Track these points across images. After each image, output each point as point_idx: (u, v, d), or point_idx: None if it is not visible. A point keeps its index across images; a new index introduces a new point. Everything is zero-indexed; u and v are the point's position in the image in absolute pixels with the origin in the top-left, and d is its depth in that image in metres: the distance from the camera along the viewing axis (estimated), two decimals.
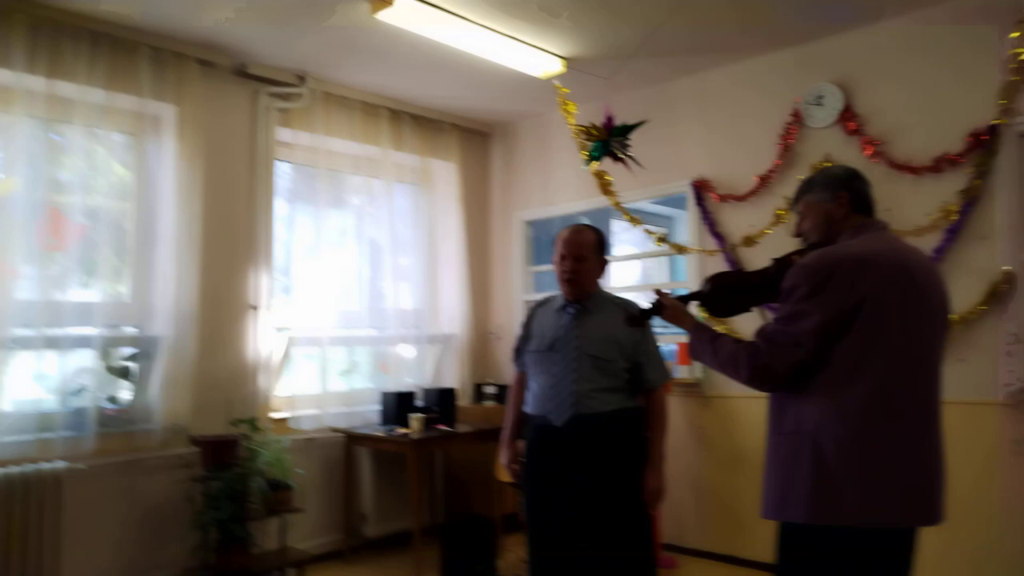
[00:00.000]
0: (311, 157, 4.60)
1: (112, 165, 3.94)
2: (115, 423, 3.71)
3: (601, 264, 2.70)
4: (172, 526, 3.78)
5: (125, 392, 3.84)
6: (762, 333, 1.90)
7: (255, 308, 4.27)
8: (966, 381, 3.53)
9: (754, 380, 1.90)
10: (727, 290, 2.09)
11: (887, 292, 1.80)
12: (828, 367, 1.79)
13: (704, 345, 2.03)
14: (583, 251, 2.65)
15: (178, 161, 3.96)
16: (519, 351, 2.83)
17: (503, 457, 2.84)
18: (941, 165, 3.61)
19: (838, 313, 1.78)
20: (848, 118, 3.90)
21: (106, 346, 3.72)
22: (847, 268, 1.81)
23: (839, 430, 1.77)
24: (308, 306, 4.55)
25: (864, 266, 1.81)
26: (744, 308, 2.14)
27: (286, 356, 4.46)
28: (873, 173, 3.75)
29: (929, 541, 3.59)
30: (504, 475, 2.90)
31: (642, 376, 2.60)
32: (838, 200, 1.97)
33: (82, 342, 3.63)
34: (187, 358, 3.87)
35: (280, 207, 4.53)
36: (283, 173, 4.62)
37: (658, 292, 2.22)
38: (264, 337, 4.28)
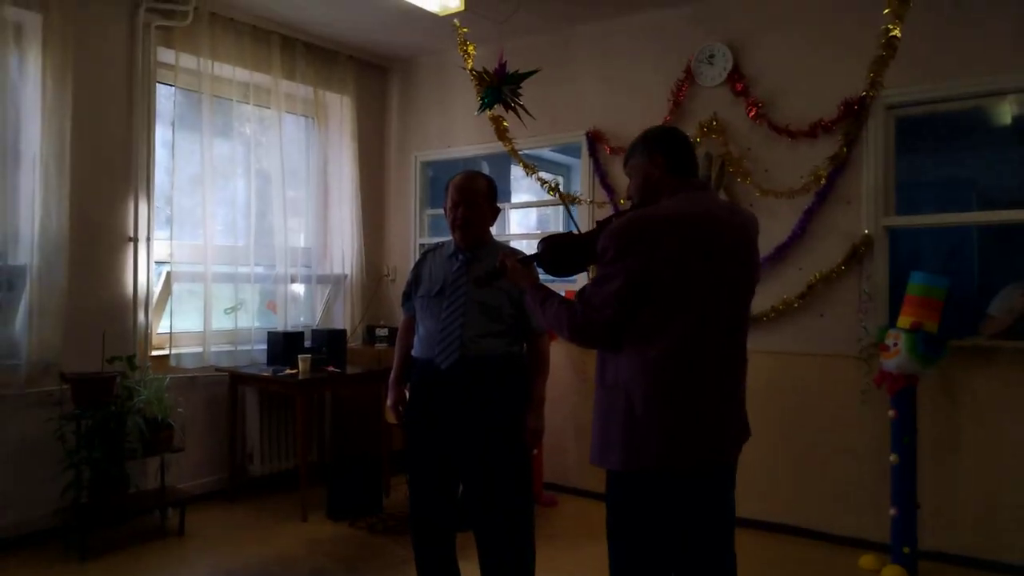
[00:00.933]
0: (196, 82, 4.35)
1: None
2: None
3: (493, 212, 2.73)
4: (42, 466, 3.61)
5: None
6: (580, 294, 2.00)
7: (133, 239, 4.06)
8: (824, 335, 3.84)
9: (574, 338, 2.01)
10: (559, 251, 2.18)
11: (688, 253, 1.90)
12: (636, 325, 1.90)
13: (536, 305, 2.14)
14: (475, 198, 2.67)
15: (44, 75, 3.65)
16: (408, 295, 2.85)
17: (389, 399, 2.87)
18: (816, 131, 3.82)
19: (641, 275, 1.87)
20: (736, 79, 4.06)
21: None
22: (650, 231, 1.89)
23: (644, 384, 1.89)
24: (192, 239, 4.36)
25: (666, 228, 1.90)
26: (579, 268, 2.23)
27: (167, 291, 4.28)
28: (756, 134, 4.00)
29: (790, 478, 3.94)
30: (390, 417, 2.94)
31: (527, 323, 2.67)
32: (654, 162, 2.04)
33: None
34: (57, 290, 3.66)
35: (163, 133, 4.28)
36: (166, 97, 4.36)
37: (502, 255, 2.33)
38: (143, 271, 4.09)
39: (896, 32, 3.37)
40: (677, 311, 1.89)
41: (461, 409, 2.59)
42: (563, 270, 2.22)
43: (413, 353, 2.77)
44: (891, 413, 3.40)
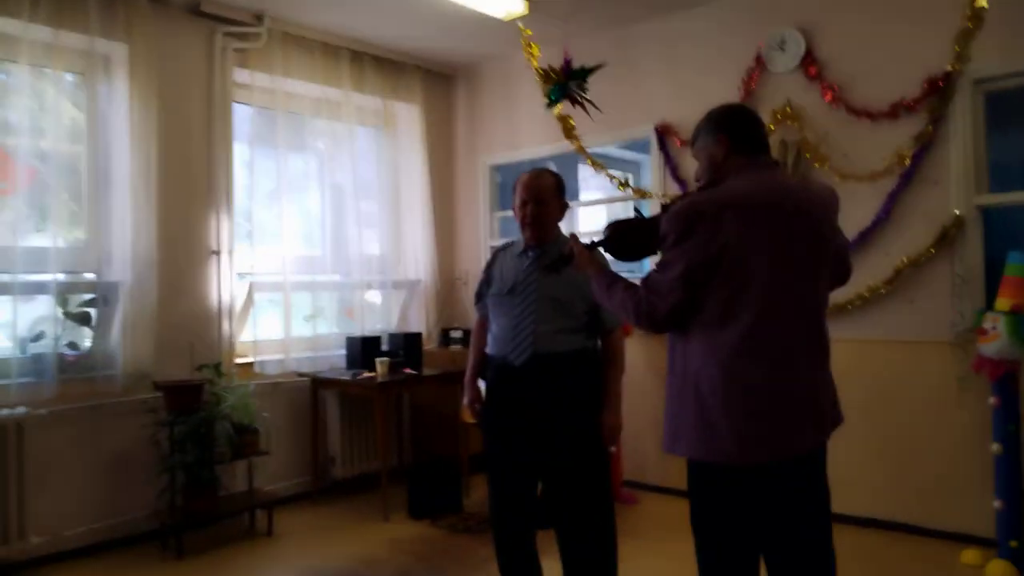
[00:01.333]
0: (270, 99, 4.51)
1: (63, 106, 3.83)
2: (76, 369, 3.69)
3: (561, 208, 2.72)
4: (138, 470, 3.80)
5: (85, 338, 3.80)
6: (645, 279, 1.95)
7: (216, 253, 4.23)
8: (914, 321, 3.66)
9: (640, 323, 1.96)
10: (625, 235, 2.12)
11: (752, 235, 1.82)
12: (702, 311, 1.85)
13: (602, 291, 2.09)
14: (543, 195, 2.66)
15: (131, 102, 3.85)
16: (480, 295, 2.86)
17: (465, 398, 2.89)
18: (897, 111, 3.66)
19: (702, 260, 1.81)
20: (809, 63, 3.93)
21: (64, 292, 3.67)
22: (710, 214, 1.82)
23: (713, 372, 1.83)
24: (271, 251, 4.51)
25: (727, 210, 1.82)
26: (646, 253, 2.17)
27: (249, 301, 4.44)
28: (833, 118, 3.86)
29: (885, 470, 3.76)
30: (467, 416, 2.96)
31: (600, 318, 2.64)
32: (718, 141, 1.98)
33: (39, 288, 3.58)
34: (148, 304, 3.84)
35: (240, 150, 4.45)
36: (242, 116, 4.52)
37: (572, 237, 2.25)
38: (226, 282, 4.25)
39: (983, 2, 3.19)
40: (744, 295, 1.82)
41: (536, 406, 2.58)
42: (629, 255, 2.17)
43: (487, 351, 2.78)
44: (992, 400, 3.21)
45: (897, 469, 3.71)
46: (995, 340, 3.12)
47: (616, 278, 2.08)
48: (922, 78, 3.58)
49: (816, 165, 3.88)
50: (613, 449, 4.31)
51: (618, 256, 2.18)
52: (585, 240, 2.22)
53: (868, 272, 3.73)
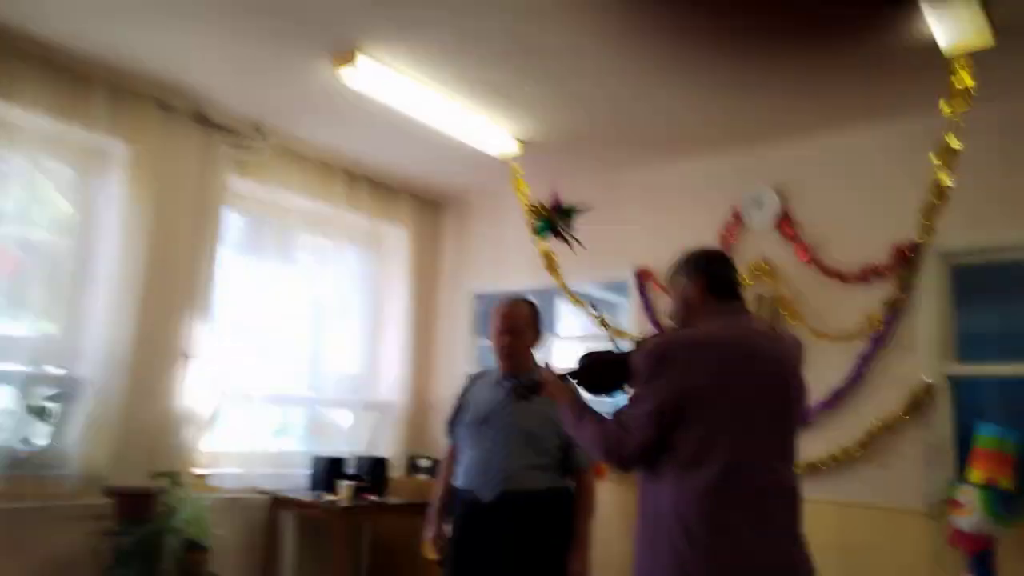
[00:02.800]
0: (262, 209, 4.59)
1: (54, 198, 3.86)
2: (27, 466, 3.51)
3: (536, 337, 2.74)
4: None
5: (41, 435, 3.66)
6: (617, 414, 1.94)
7: (187, 356, 4.16)
8: (888, 487, 3.65)
9: (608, 458, 1.94)
10: (597, 368, 2.14)
11: (722, 378, 1.85)
12: (673, 451, 1.84)
13: (570, 421, 2.07)
14: (518, 325, 2.69)
15: (125, 200, 3.89)
16: (452, 423, 2.82)
17: (428, 532, 2.79)
18: (868, 275, 3.81)
19: (671, 399, 1.82)
20: (785, 223, 4.12)
21: (28, 384, 3.56)
22: (681, 353, 1.86)
23: (688, 517, 1.79)
24: (244, 361, 4.45)
25: (697, 352, 1.86)
26: (618, 386, 2.18)
27: (216, 410, 4.33)
28: (808, 277, 4.00)
29: None
30: (429, 551, 2.84)
31: (573, 457, 2.61)
32: (694, 283, 2.02)
33: (2, 378, 3.48)
34: (112, 404, 3.72)
35: (226, 257, 4.47)
36: (232, 223, 4.58)
37: (545, 365, 2.27)
38: (195, 388, 4.16)
39: (947, 181, 3.41)
40: (717, 438, 1.82)
41: (502, 547, 2.50)
42: (601, 387, 2.18)
43: (456, 483, 2.71)
44: None
45: None
46: (969, 514, 3.10)
47: (586, 409, 2.07)
48: (891, 245, 3.75)
49: (792, 322, 3.98)
50: None
51: (589, 388, 2.19)
52: (560, 370, 2.23)
53: (841, 432, 3.75)
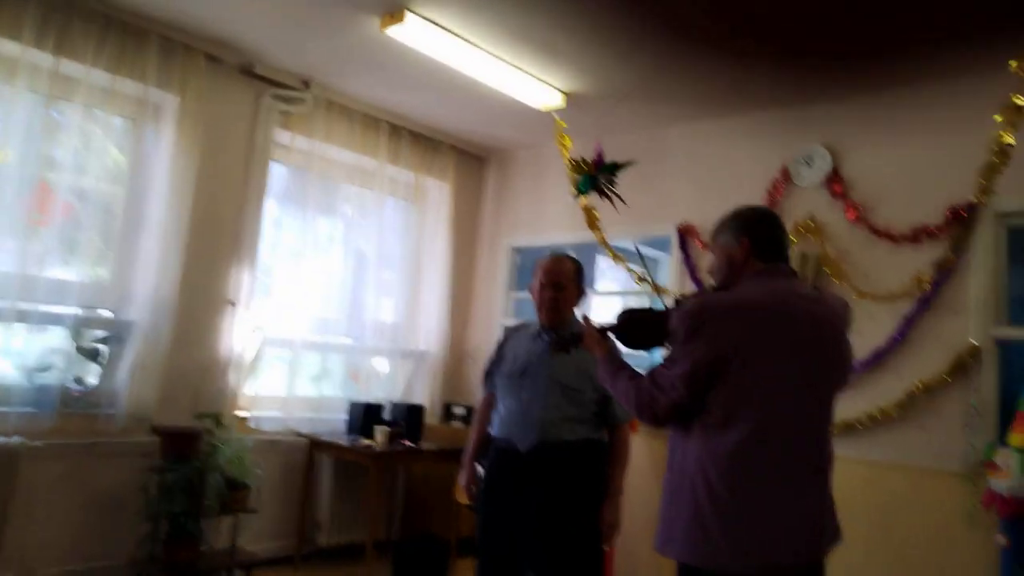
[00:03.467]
0: (306, 161, 4.63)
1: (107, 148, 3.96)
2: (78, 404, 3.68)
3: (579, 293, 2.74)
4: (123, 514, 3.73)
5: (92, 375, 3.81)
6: (651, 372, 1.94)
7: (233, 304, 4.27)
8: (924, 448, 3.59)
9: (640, 415, 1.96)
10: (635, 326, 2.13)
11: (760, 342, 1.81)
12: (705, 412, 1.83)
13: (606, 375, 2.08)
14: (563, 279, 2.69)
15: (174, 151, 3.98)
16: (489, 373, 2.85)
17: (462, 478, 2.84)
18: (919, 236, 3.69)
19: (708, 360, 1.81)
20: (835, 181, 4.00)
21: (79, 326, 3.71)
22: (719, 316, 1.84)
23: (711, 475, 1.79)
24: (286, 308, 4.55)
25: (737, 314, 1.84)
26: (654, 344, 2.17)
27: (258, 355, 4.45)
28: (855, 236, 3.90)
29: None
30: (462, 496, 2.90)
31: (609, 410, 2.62)
32: (740, 243, 1.98)
33: (55, 320, 3.61)
34: (159, 347, 3.86)
35: (270, 208, 4.55)
36: (277, 174, 4.65)
37: (584, 319, 2.25)
38: (239, 334, 4.28)
39: (1010, 140, 3.27)
40: (748, 401, 1.80)
41: (535, 495, 2.53)
42: (638, 344, 2.17)
43: (492, 432, 2.75)
44: (1001, 540, 3.09)
45: None
46: (1007, 477, 3.04)
47: (623, 365, 2.08)
48: (945, 206, 3.62)
49: (836, 281, 3.89)
50: (607, 547, 4.20)
51: (627, 343, 2.18)
52: (599, 325, 2.22)
53: (879, 393, 3.69)
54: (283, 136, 4.55)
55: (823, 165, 4.05)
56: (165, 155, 3.99)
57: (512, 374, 2.69)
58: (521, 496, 2.57)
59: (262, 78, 4.37)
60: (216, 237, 4.23)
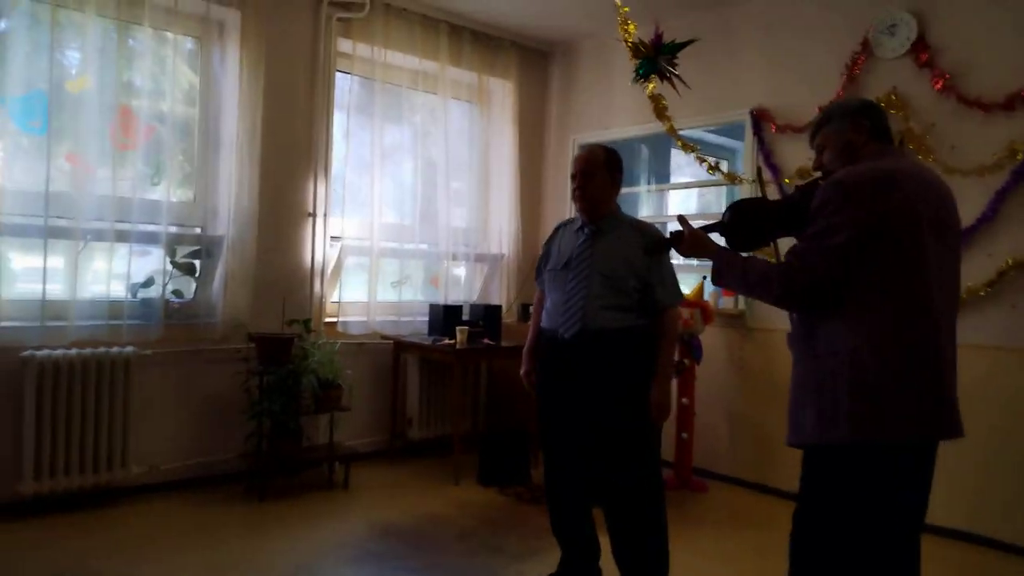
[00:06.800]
0: (370, 70, 4.65)
1: (181, 70, 4.08)
2: (179, 316, 3.97)
3: (613, 182, 2.69)
4: (229, 414, 4.06)
5: (190, 287, 4.07)
6: (793, 251, 1.86)
7: (312, 215, 4.43)
8: (1016, 327, 3.46)
9: (785, 298, 1.87)
10: (749, 219, 2.01)
11: (915, 208, 1.79)
12: (860, 284, 1.77)
13: (734, 268, 1.97)
14: (590, 167, 2.66)
15: (241, 67, 4.06)
16: (540, 270, 2.89)
17: (523, 367, 2.94)
18: (1013, 103, 3.45)
19: (868, 227, 1.76)
20: (920, 49, 3.74)
21: (172, 243, 3.94)
22: (877, 182, 1.79)
23: (876, 349, 1.76)
24: (362, 218, 4.68)
25: (893, 181, 1.80)
26: (766, 240, 2.07)
27: (339, 264, 4.63)
28: (942, 108, 3.69)
29: (970, 483, 3.56)
30: (525, 385, 3.01)
31: (652, 297, 2.61)
32: (858, 127, 1.96)
33: (151, 239, 3.85)
34: (247, 258, 4.07)
35: (339, 119, 4.62)
36: (343, 86, 4.68)
37: (681, 219, 2.13)
38: (319, 244, 4.45)
39: None
40: (906, 271, 1.78)
41: (583, 380, 2.60)
42: (748, 241, 2.06)
43: (541, 324, 2.81)
44: None
45: (986, 482, 3.53)
46: None
47: (743, 259, 1.98)
48: None
49: (920, 157, 3.70)
50: (684, 435, 4.30)
51: (735, 242, 2.07)
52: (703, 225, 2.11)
53: (967, 273, 3.46)
54: (345, 45, 4.56)
55: (907, 33, 3.79)
56: (232, 73, 4.08)
57: (557, 268, 2.72)
58: (569, 383, 2.64)
59: None
60: (289, 151, 4.35)
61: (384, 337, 4.71)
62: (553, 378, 2.73)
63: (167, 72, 3.95)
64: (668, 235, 2.12)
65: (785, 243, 2.03)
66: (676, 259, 2.85)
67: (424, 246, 4.94)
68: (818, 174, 2.07)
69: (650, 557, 2.61)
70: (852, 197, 1.77)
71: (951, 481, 3.57)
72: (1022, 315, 3.44)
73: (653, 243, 2.23)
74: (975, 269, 3.53)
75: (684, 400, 4.31)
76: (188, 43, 4.09)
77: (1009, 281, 3.47)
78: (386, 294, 4.81)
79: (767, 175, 4.27)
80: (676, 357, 4.19)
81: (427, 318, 4.82)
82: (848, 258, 1.76)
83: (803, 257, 1.82)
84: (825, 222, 1.80)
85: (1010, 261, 3.44)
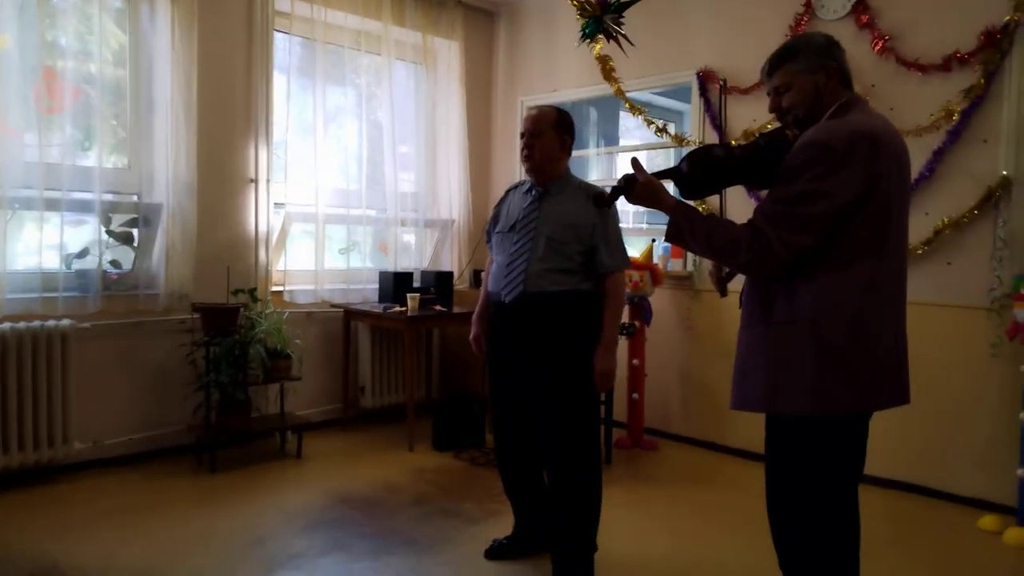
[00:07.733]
0: (310, 29, 4.50)
1: (108, 28, 3.87)
2: (118, 286, 3.83)
3: (561, 142, 2.65)
4: (176, 387, 3.96)
5: (128, 258, 3.92)
6: (765, 215, 1.74)
7: (254, 181, 4.30)
8: (951, 284, 3.59)
9: (753, 265, 1.75)
10: (708, 168, 1.86)
11: (893, 172, 1.72)
12: (832, 251, 1.69)
13: (696, 228, 1.81)
14: (540, 126, 2.61)
15: (172, 26, 3.88)
16: (489, 233, 2.87)
17: (472, 332, 2.93)
18: (950, 64, 3.53)
19: (855, 194, 1.67)
20: (861, 10, 3.79)
21: (107, 211, 3.78)
22: (865, 145, 1.67)
23: (841, 317, 1.70)
24: (306, 183, 4.57)
25: (877, 144, 1.69)
26: (720, 188, 1.98)
27: (284, 231, 4.52)
28: (881, 69, 3.75)
29: (904, 434, 3.71)
30: (475, 350, 2.99)
31: (597, 260, 2.58)
32: (827, 70, 1.80)
33: (84, 207, 3.69)
34: (188, 227, 3.94)
35: (279, 82, 4.47)
36: (282, 46, 4.53)
37: (634, 162, 1.93)
38: (263, 211, 4.33)
39: None
40: (880, 234, 1.71)
41: (524, 344, 2.59)
42: (704, 190, 1.93)
43: (488, 288, 2.80)
44: None
45: (921, 432, 3.69)
46: None
47: (703, 215, 1.86)
48: (979, 30, 3.43)
49: None
50: (635, 395, 4.37)
51: (691, 192, 1.92)
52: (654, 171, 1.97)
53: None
54: (283, 3, 4.39)
55: None
56: (164, 33, 3.90)
57: (503, 231, 2.70)
58: (511, 347, 2.64)
59: None
60: (228, 115, 4.20)
61: (333, 305, 4.65)
62: (499, 343, 2.72)
63: (94, 31, 3.75)
64: (619, 180, 1.93)
65: (733, 190, 1.99)
66: (625, 222, 2.85)
67: (372, 212, 4.86)
68: (774, 116, 1.93)
69: (576, 529, 2.59)
70: (838, 162, 1.66)
71: (883, 433, 3.73)
72: (957, 272, 3.57)
73: (601, 192, 2.15)
74: (913, 228, 3.58)
75: (635, 361, 4.37)
76: (115, 0, 3.89)
77: (945, 239, 3.58)
78: (334, 262, 4.73)
79: (713, 138, 4.31)
80: (626, 319, 4.26)
81: (377, 285, 4.76)
82: (829, 225, 1.68)
83: (778, 224, 1.70)
84: (807, 186, 1.67)
85: (946, 220, 3.55)
